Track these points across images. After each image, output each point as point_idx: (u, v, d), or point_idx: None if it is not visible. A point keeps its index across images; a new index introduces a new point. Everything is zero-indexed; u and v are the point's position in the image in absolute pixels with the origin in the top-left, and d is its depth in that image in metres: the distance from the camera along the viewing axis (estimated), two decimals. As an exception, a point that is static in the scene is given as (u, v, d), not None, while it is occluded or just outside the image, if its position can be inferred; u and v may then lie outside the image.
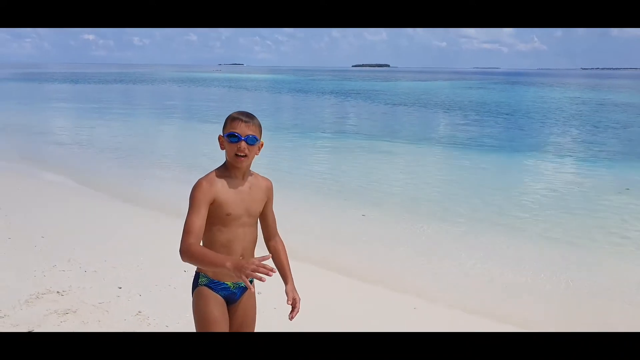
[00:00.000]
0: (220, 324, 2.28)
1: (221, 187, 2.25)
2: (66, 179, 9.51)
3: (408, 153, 13.90)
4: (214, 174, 2.28)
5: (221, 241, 2.27)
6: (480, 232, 6.89)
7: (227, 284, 2.34)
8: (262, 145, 2.34)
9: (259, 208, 2.40)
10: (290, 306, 2.46)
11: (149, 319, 4.03)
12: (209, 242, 2.29)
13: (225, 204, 2.24)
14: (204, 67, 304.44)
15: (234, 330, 2.42)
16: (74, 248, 5.53)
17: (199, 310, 2.30)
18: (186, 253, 2.10)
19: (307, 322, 4.05)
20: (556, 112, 27.10)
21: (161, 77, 78.36)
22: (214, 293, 2.31)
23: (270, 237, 2.55)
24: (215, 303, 2.29)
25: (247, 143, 2.24)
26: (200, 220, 2.17)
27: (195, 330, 2.34)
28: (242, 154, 2.24)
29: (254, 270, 1.92)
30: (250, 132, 2.25)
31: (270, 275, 1.94)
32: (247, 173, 2.36)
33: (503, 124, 21.12)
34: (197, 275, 2.38)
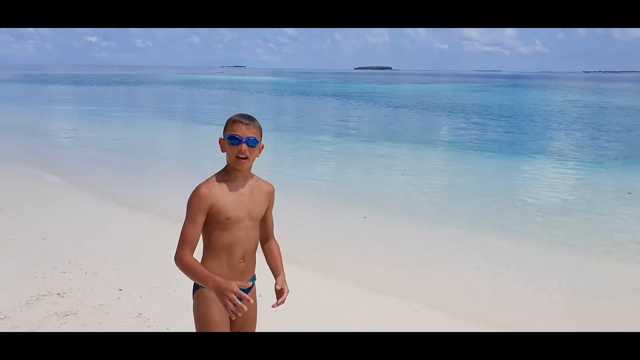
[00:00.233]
0: (221, 326, 2.27)
1: (220, 192, 2.25)
2: (67, 181, 9.52)
3: (409, 156, 13.89)
4: (213, 178, 2.29)
5: (222, 244, 2.28)
6: (481, 235, 6.87)
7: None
8: (262, 147, 2.35)
9: (260, 211, 2.40)
10: (277, 298, 2.44)
11: (149, 321, 4.02)
12: (210, 246, 2.30)
13: (224, 208, 2.24)
14: (206, 69, 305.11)
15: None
16: (74, 250, 5.53)
17: (200, 312, 2.29)
18: (179, 262, 2.18)
19: (307, 325, 4.05)
20: (558, 115, 27.07)
21: (163, 79, 78.52)
22: (213, 295, 2.26)
23: (266, 240, 2.55)
24: (216, 305, 2.25)
25: (247, 145, 2.25)
26: (195, 230, 2.21)
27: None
28: (242, 157, 2.25)
29: (232, 300, 2.01)
30: (250, 135, 2.26)
31: (245, 309, 2.02)
32: (248, 176, 2.36)
33: (505, 127, 21.10)
34: None
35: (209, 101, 35.91)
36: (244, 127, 2.26)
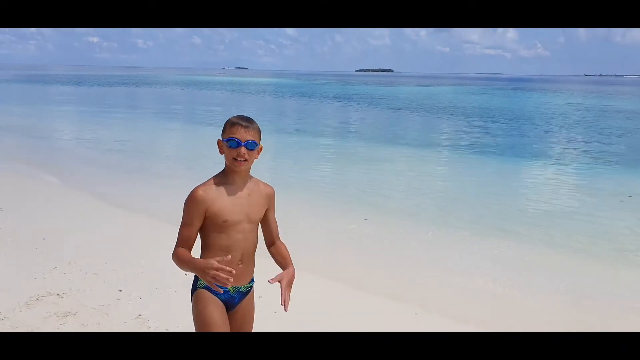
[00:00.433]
0: (220, 327, 2.26)
1: (217, 195, 2.25)
2: (67, 182, 9.53)
3: (411, 158, 13.88)
4: (211, 181, 2.29)
5: (220, 247, 2.27)
6: (482, 238, 6.86)
7: (226, 288, 2.30)
8: (261, 149, 2.34)
9: (259, 214, 2.38)
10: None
11: (149, 322, 4.01)
12: (208, 248, 2.29)
13: (221, 211, 2.24)
14: (207, 70, 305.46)
15: None
16: (74, 250, 5.53)
17: (199, 313, 2.28)
18: (174, 258, 2.26)
19: (307, 326, 4.04)
20: (559, 118, 27.07)
21: (165, 80, 78.61)
22: (213, 296, 2.29)
23: (272, 242, 2.53)
24: (215, 306, 2.27)
25: (246, 148, 2.25)
26: (191, 232, 2.25)
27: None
28: (241, 159, 2.25)
29: (214, 277, 2.05)
30: (249, 137, 2.25)
31: (231, 280, 2.05)
32: (246, 178, 2.35)
33: (506, 129, 21.10)
34: (196, 278, 2.35)
35: (210, 102, 35.95)
36: (242, 129, 2.25)
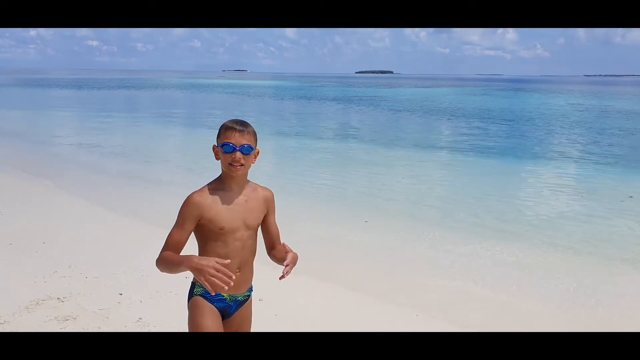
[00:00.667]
0: None
1: (213, 201, 2.20)
2: (68, 186, 9.53)
3: (411, 160, 13.87)
4: (206, 188, 2.24)
5: (217, 255, 2.20)
6: (483, 240, 6.84)
7: (223, 296, 2.27)
8: (258, 153, 2.29)
9: (257, 220, 2.33)
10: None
11: (149, 326, 4.01)
12: (206, 256, 2.21)
13: (217, 218, 2.19)
14: (207, 73, 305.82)
15: None
16: (74, 254, 5.52)
17: (194, 321, 2.23)
18: (157, 262, 2.17)
19: (307, 329, 4.03)
20: (559, 119, 27.07)
21: (164, 83, 78.73)
22: (210, 304, 2.24)
23: (273, 248, 2.47)
24: (211, 314, 2.22)
25: (242, 153, 2.20)
26: (181, 236, 2.18)
27: None
28: (237, 164, 2.20)
29: (213, 276, 1.96)
30: (245, 142, 2.20)
31: (229, 284, 1.97)
32: (243, 183, 2.30)
33: (506, 130, 21.10)
34: (193, 285, 2.30)
35: (210, 106, 35.97)
36: (237, 134, 2.20)
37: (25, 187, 9.05)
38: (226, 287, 1.98)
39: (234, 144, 2.18)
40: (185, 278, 4.32)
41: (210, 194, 2.22)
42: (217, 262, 2.00)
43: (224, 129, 2.22)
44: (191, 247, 2.28)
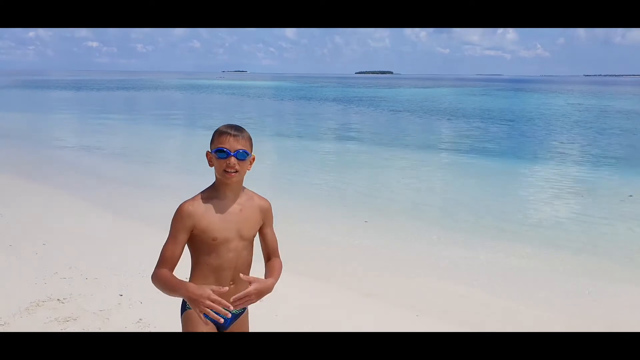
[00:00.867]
0: None
1: (205, 210, 2.10)
2: (68, 188, 9.53)
3: (411, 160, 13.88)
4: (199, 196, 2.14)
5: (210, 266, 2.13)
6: (484, 240, 6.85)
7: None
8: (253, 159, 2.18)
9: (252, 230, 2.22)
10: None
11: (150, 327, 4.01)
12: (198, 268, 2.16)
13: (209, 228, 2.09)
14: (207, 74, 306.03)
15: None
16: (75, 255, 5.53)
17: None
18: (153, 279, 2.09)
19: (307, 329, 4.03)
20: (559, 118, 27.08)
21: (164, 84, 78.76)
22: (204, 317, 2.07)
23: (270, 259, 2.33)
24: (204, 329, 2.12)
25: (237, 158, 2.09)
26: (175, 248, 2.08)
27: None
28: (232, 171, 2.09)
29: (208, 307, 1.88)
30: (240, 147, 2.10)
31: (228, 316, 1.91)
32: (238, 191, 2.19)
33: (506, 130, 21.10)
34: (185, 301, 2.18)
35: (210, 107, 35.98)
36: (232, 139, 2.09)
37: (25, 189, 9.05)
38: (221, 320, 1.90)
39: (228, 149, 2.08)
40: (185, 279, 4.34)
41: (203, 202, 2.12)
42: (213, 292, 1.90)
43: (218, 134, 2.12)
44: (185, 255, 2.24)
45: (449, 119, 26.18)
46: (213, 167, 2.15)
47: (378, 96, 50.70)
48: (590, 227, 7.57)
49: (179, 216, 2.09)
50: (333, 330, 3.98)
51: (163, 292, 2.06)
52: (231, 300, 2.00)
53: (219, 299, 1.90)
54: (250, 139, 2.17)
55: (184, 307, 2.19)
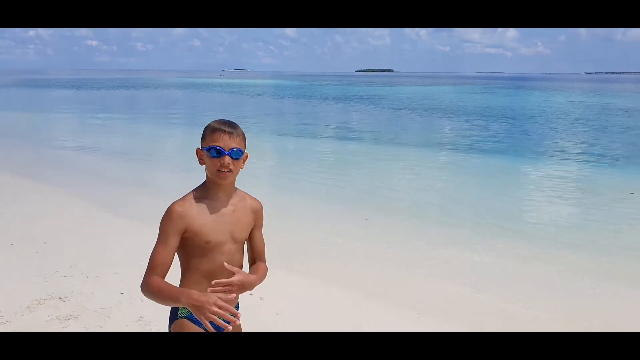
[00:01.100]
0: None
1: (197, 212, 1.98)
2: (68, 186, 9.54)
3: (411, 158, 13.87)
4: (190, 196, 2.02)
5: (202, 271, 2.00)
6: (484, 238, 6.85)
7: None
8: (247, 157, 2.07)
9: (245, 232, 2.11)
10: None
11: (150, 325, 4.01)
12: (189, 273, 2.03)
13: (202, 231, 1.96)
14: (207, 72, 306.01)
15: None
16: (75, 254, 5.53)
17: None
18: (143, 289, 1.93)
19: (308, 329, 4.03)
20: (560, 116, 27.05)
21: (164, 83, 78.72)
22: (196, 326, 1.98)
23: (255, 263, 2.20)
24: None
25: (231, 157, 1.97)
26: (166, 253, 1.93)
27: None
28: (226, 170, 1.98)
29: (214, 313, 1.74)
30: (234, 145, 1.98)
31: (236, 323, 1.77)
32: (230, 192, 2.07)
33: (507, 128, 21.08)
34: (176, 307, 2.04)
35: (210, 106, 35.97)
36: (226, 136, 1.97)
37: (26, 188, 9.06)
38: (229, 328, 1.77)
39: (222, 148, 1.96)
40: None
41: (195, 203, 1.99)
42: (219, 298, 1.76)
43: (210, 131, 2.00)
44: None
45: (449, 117, 26.15)
46: (203, 166, 2.05)
47: (378, 94, 50.67)
48: (592, 225, 7.56)
49: (170, 218, 1.94)
50: (333, 330, 3.98)
51: (156, 301, 1.90)
52: (212, 283, 1.90)
53: (226, 305, 1.77)
54: (244, 136, 2.06)
55: (174, 316, 2.05)
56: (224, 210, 2.03)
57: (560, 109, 32.24)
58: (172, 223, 1.94)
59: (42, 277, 4.84)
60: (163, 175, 10.96)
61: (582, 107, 34.16)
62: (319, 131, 20.05)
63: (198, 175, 2.14)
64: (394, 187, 10.15)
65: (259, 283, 2.09)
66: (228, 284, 1.92)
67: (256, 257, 2.20)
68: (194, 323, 1.99)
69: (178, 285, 2.02)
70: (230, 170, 1.99)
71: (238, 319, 1.80)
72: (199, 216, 1.98)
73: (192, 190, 2.05)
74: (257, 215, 2.16)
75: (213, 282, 1.91)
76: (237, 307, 2.15)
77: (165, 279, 1.96)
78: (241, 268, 2.10)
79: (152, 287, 1.89)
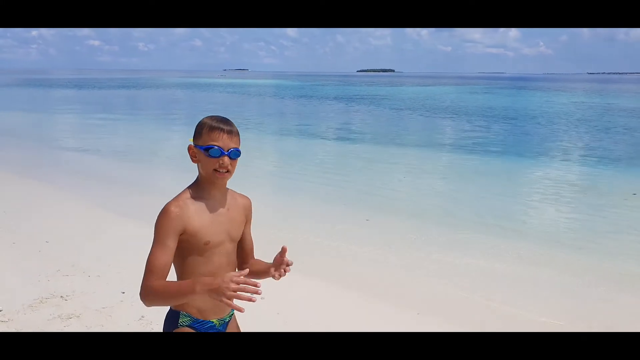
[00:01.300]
0: None
1: (194, 211, 1.90)
2: (70, 186, 9.56)
3: (413, 158, 13.87)
4: (185, 195, 1.94)
5: (201, 273, 1.92)
6: (485, 238, 6.84)
7: (213, 322, 1.99)
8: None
9: (239, 230, 2.07)
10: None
11: (152, 324, 4.02)
12: (187, 276, 1.94)
13: (201, 231, 1.90)
14: (208, 72, 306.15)
15: None
16: (77, 253, 5.55)
17: None
18: (147, 296, 1.81)
19: (309, 329, 4.03)
20: (562, 117, 27.01)
21: (166, 83, 78.81)
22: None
23: (246, 262, 2.15)
24: None
25: (230, 158, 1.91)
26: (165, 256, 1.84)
27: None
28: (224, 170, 1.92)
29: (236, 290, 1.65)
30: (233, 145, 1.92)
31: (259, 293, 1.67)
32: (225, 191, 2.03)
33: (509, 129, 21.06)
34: (175, 315, 1.96)
35: (211, 107, 35.99)
36: (225, 136, 1.90)
37: (28, 187, 9.08)
38: (254, 300, 1.68)
39: (221, 148, 1.89)
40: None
41: (190, 203, 1.91)
42: (234, 275, 1.67)
43: (209, 129, 1.90)
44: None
45: (450, 118, 26.14)
46: (196, 164, 1.97)
47: (379, 94, 50.66)
48: (594, 226, 7.56)
49: (166, 219, 1.85)
50: (333, 330, 3.99)
51: (163, 303, 1.83)
52: (283, 262, 1.94)
53: (243, 278, 1.67)
54: (239, 134, 2.00)
55: (174, 325, 1.97)
56: (221, 209, 1.98)
57: (562, 110, 32.20)
58: (170, 224, 1.85)
59: (44, 276, 4.86)
60: (165, 175, 10.97)
61: (584, 108, 34.11)
62: (319, 131, 20.06)
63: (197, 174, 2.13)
64: (395, 187, 10.15)
65: None
66: (287, 263, 1.97)
67: (249, 254, 2.16)
68: (195, 331, 1.95)
69: None
70: (228, 171, 1.93)
71: (259, 287, 1.69)
72: (197, 216, 1.90)
73: (186, 189, 1.97)
74: (248, 212, 2.12)
75: (281, 263, 1.95)
76: (231, 312, 2.09)
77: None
78: (236, 267, 2.08)
79: (156, 289, 1.79)
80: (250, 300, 1.66)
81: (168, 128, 20.68)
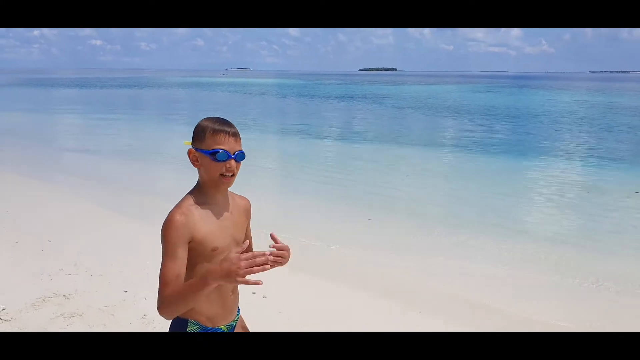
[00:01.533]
0: None
1: (200, 217, 1.85)
2: (73, 185, 9.59)
3: (415, 157, 13.86)
4: (188, 202, 1.87)
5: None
6: (488, 237, 6.83)
7: (220, 328, 1.97)
8: None
9: (243, 233, 2.03)
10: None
11: (154, 323, 4.02)
12: None
13: (208, 238, 1.85)
14: (210, 71, 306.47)
15: None
16: (80, 252, 5.56)
17: None
18: (164, 308, 1.76)
19: (311, 328, 4.04)
20: (565, 115, 26.95)
21: (168, 82, 78.88)
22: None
23: None
24: None
25: (236, 161, 1.87)
26: (178, 267, 1.77)
27: None
28: (230, 174, 1.87)
29: (247, 267, 1.64)
30: (238, 148, 1.87)
31: (270, 259, 1.68)
32: (226, 194, 1.98)
33: (511, 127, 21.02)
34: (183, 323, 1.91)
35: (213, 107, 36.02)
36: (231, 138, 1.86)
37: (30, 187, 9.10)
38: (268, 267, 1.67)
39: (228, 151, 1.84)
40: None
41: (195, 209, 1.85)
42: (239, 254, 1.66)
43: (212, 132, 1.84)
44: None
45: (453, 116, 26.10)
46: (197, 168, 1.91)
47: (382, 93, 50.62)
48: (596, 224, 7.54)
49: (173, 228, 1.79)
50: (335, 329, 3.99)
51: (182, 306, 1.76)
52: (272, 247, 1.86)
53: (251, 253, 1.66)
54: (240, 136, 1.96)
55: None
56: (225, 214, 1.94)
57: (565, 108, 32.12)
58: (177, 233, 1.79)
59: (47, 275, 4.87)
60: (167, 174, 10.99)
61: (587, 106, 34.02)
62: (322, 130, 20.05)
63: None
64: (397, 186, 10.15)
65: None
66: (285, 249, 1.90)
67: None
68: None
69: None
70: (234, 174, 1.89)
71: (267, 256, 1.67)
72: (203, 223, 1.85)
73: (188, 195, 1.90)
74: (248, 213, 2.09)
75: (271, 247, 1.87)
76: (237, 311, 2.07)
77: None
78: None
79: (170, 297, 1.74)
80: (264, 270, 1.65)
81: (170, 128, 20.69)
